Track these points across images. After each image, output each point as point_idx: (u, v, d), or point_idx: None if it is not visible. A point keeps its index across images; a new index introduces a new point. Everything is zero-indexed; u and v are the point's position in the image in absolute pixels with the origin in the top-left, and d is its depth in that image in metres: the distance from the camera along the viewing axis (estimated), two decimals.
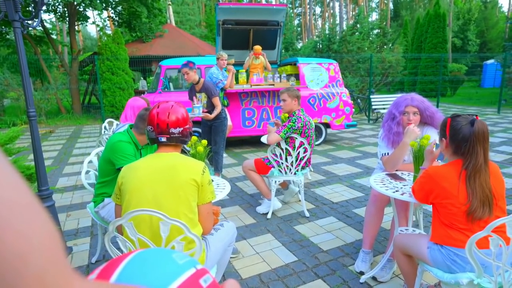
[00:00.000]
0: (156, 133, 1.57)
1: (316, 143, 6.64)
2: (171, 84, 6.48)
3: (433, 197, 1.62)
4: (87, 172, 2.54)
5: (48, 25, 13.48)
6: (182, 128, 1.59)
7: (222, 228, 1.87)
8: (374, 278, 2.24)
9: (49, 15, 15.29)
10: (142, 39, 14.06)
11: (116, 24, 14.13)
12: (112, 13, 14.13)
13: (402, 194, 1.92)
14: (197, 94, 4.11)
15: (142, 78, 15.42)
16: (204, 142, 2.29)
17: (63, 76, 13.50)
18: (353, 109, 7.69)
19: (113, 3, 12.82)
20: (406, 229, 2.14)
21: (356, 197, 3.81)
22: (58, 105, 12.45)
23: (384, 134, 2.39)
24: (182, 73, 3.90)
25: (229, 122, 5.69)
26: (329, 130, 7.22)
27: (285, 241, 2.80)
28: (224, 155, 5.62)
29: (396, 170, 2.39)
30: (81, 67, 14.30)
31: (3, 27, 11.84)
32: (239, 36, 6.78)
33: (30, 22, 2.76)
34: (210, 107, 4.09)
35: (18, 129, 2.75)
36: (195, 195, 1.51)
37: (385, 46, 14.47)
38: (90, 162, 2.62)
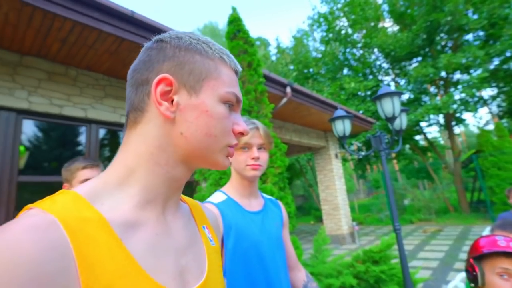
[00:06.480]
0: None
1: None
2: None
3: None
4: None
5: (431, 135, 14.43)
6: None
7: None
8: None
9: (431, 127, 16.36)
10: None
11: (497, 116, 12.31)
12: (489, 107, 12.62)
13: None
14: None
15: None
16: None
17: (448, 176, 13.14)
18: None
19: (489, 98, 11.50)
20: None
21: None
22: (445, 204, 12.02)
23: None
24: None
25: None
26: None
27: None
28: None
29: None
30: (465, 165, 13.34)
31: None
32: None
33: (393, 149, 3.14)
34: None
35: (393, 237, 2.91)
36: None
37: None
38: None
